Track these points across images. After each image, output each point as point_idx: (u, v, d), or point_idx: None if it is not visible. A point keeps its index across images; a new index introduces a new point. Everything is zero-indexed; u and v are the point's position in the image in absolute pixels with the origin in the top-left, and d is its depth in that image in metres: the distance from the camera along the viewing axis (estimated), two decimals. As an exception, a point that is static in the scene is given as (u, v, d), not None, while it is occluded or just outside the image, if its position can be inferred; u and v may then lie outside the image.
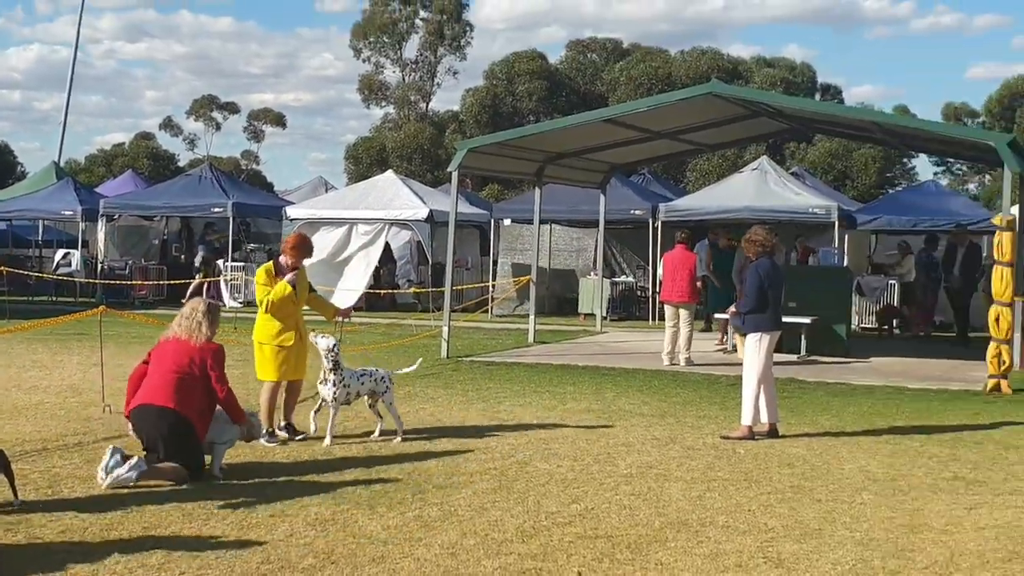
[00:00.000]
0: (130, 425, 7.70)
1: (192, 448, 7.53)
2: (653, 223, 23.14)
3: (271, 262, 9.25)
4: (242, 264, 26.26)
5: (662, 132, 18.25)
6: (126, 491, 7.20)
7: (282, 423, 9.15)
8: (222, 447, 7.75)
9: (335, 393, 8.82)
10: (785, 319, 10.66)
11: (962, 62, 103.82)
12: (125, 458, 7.39)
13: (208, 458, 7.75)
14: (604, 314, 22.24)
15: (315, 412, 9.14)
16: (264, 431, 8.80)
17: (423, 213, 24.22)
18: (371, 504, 7.05)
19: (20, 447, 8.60)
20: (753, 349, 9.64)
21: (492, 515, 6.84)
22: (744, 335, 9.98)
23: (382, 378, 9.17)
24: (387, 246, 25.95)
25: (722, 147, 28.04)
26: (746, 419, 9.57)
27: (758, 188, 22.60)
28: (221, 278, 25.97)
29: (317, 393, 9.17)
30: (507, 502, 7.19)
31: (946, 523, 6.85)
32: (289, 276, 8.95)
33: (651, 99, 18.96)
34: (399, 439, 9.09)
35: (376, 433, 9.20)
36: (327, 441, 8.80)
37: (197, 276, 26.03)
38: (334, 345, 8.80)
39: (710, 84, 16.10)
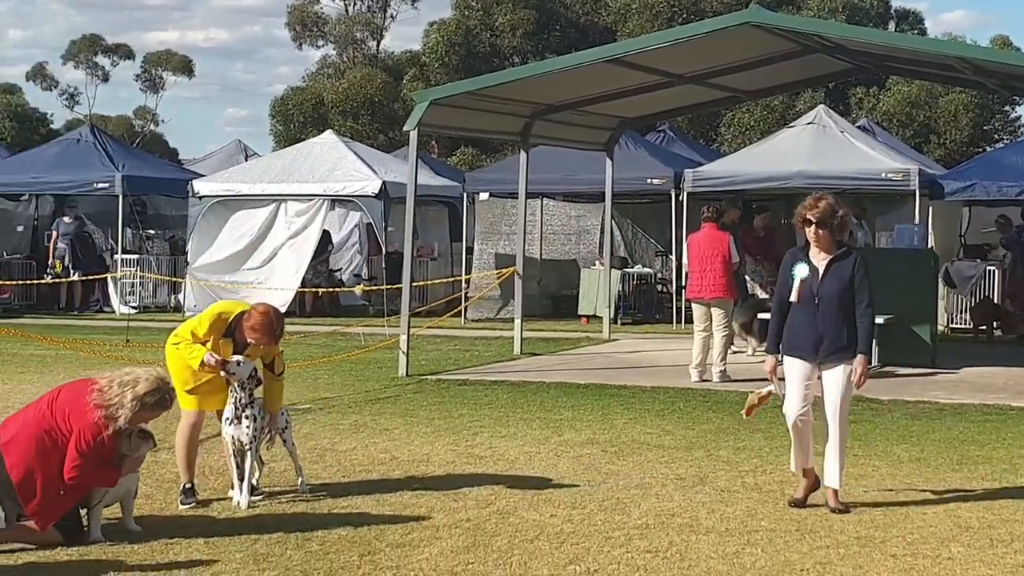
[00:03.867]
0: None
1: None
2: (677, 194, 23.20)
3: (228, 315, 8.77)
4: (136, 257, 26.27)
5: (687, 75, 18.29)
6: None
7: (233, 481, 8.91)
8: (96, 509, 7.74)
9: (254, 431, 8.72)
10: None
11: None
12: None
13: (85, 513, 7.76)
14: (613, 316, 22.30)
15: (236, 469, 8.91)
16: (182, 485, 8.77)
17: (374, 187, 24.25)
18: (305, 571, 7.07)
19: None
20: (848, 374, 8.67)
21: (464, 582, 6.86)
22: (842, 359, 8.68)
23: (281, 412, 9.13)
24: (326, 232, 25.99)
25: (765, 94, 28.15)
26: (836, 479, 8.67)
27: (814, 147, 22.67)
28: (108, 276, 25.97)
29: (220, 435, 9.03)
30: (484, 564, 7.23)
31: (1059, 583, 6.90)
32: (232, 360, 8.63)
33: (672, 31, 19.01)
34: (302, 490, 9.09)
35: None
36: (242, 499, 8.66)
37: (49, 276, 26.02)
38: (254, 372, 8.66)
39: (749, 11, 16.13)
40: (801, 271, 8.61)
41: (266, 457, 9.35)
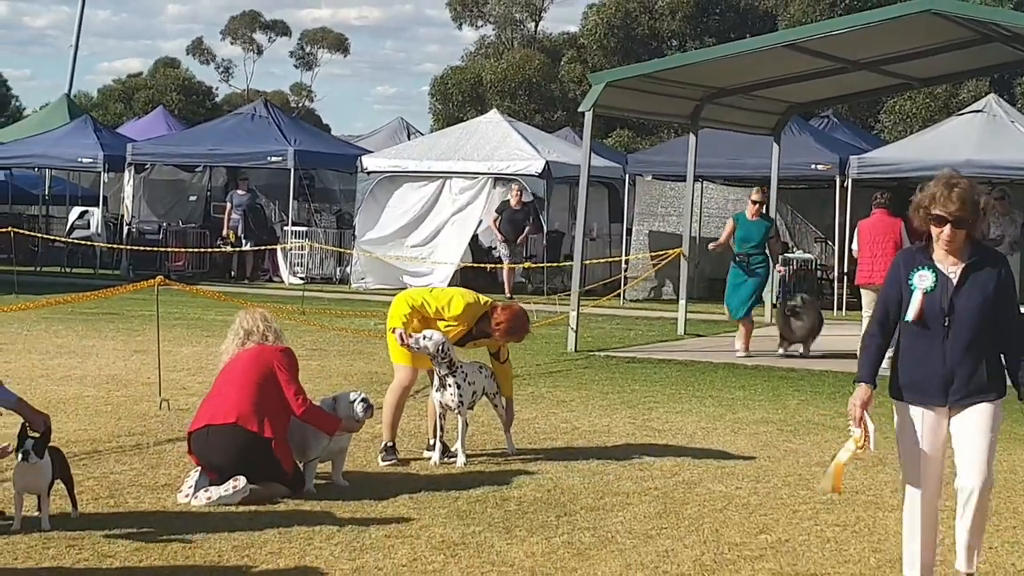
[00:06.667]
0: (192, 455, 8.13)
1: (277, 465, 7.96)
2: (841, 181, 23.12)
3: (481, 307, 9.14)
4: (304, 229, 27.00)
5: (861, 61, 18.27)
6: (208, 508, 7.68)
7: (431, 441, 9.34)
8: (311, 465, 8.22)
9: (460, 396, 9.09)
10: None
11: None
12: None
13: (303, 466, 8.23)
14: (775, 301, 22.33)
15: (436, 430, 9.34)
16: (384, 443, 9.20)
17: (538, 166, 24.63)
18: (507, 527, 7.42)
19: (66, 448, 9.14)
20: (997, 420, 6.24)
21: (660, 544, 7.16)
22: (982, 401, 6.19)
23: (492, 374, 9.51)
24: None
25: (937, 82, 27.82)
26: (970, 562, 6.30)
27: (983, 136, 22.44)
28: (279, 248, 26.74)
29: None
30: (676, 529, 7.50)
31: None
32: (415, 336, 8.89)
33: (852, 18, 18.94)
34: (511, 451, 9.52)
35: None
36: (460, 459, 9.12)
37: (222, 245, 26.83)
38: (444, 343, 8.99)
39: (930, -1, 16.09)
40: (924, 280, 6.14)
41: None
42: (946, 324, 6.07)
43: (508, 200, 24.27)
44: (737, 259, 16.29)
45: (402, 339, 8.90)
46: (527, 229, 24.50)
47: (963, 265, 6.12)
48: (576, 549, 7.00)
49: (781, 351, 16.30)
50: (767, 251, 16.37)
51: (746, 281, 16.16)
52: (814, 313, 16.19)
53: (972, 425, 6.11)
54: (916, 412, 6.18)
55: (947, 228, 6.05)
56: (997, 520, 7.74)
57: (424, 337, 8.93)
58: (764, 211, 16.77)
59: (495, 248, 27.94)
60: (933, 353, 6.11)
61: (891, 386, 6.28)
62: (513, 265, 24.37)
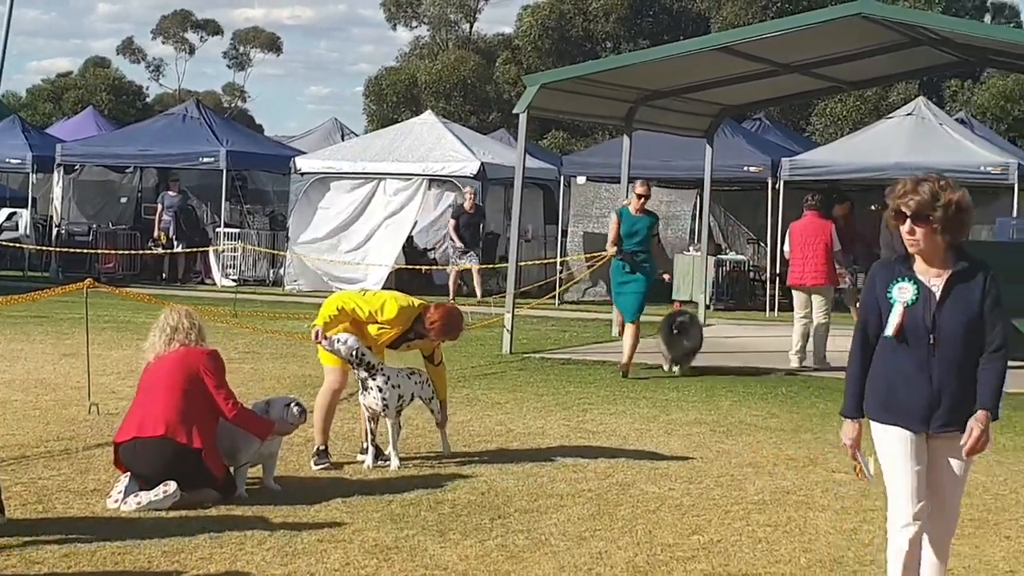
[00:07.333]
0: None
1: (207, 473, 7.90)
2: (773, 183, 23.32)
3: (415, 309, 9.12)
4: (237, 231, 26.82)
5: (792, 65, 18.42)
6: (138, 513, 7.60)
7: (364, 444, 9.31)
8: (243, 469, 8.17)
9: (384, 400, 9.04)
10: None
11: None
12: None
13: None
14: (708, 302, 22.48)
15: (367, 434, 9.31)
16: (316, 447, 9.15)
17: (473, 167, 24.62)
18: (441, 530, 7.41)
19: (-7, 453, 9.07)
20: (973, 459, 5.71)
21: (594, 546, 7.18)
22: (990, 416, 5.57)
23: (426, 379, 9.49)
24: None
25: (867, 84, 28.10)
26: None
27: (913, 139, 22.73)
28: (211, 250, 26.53)
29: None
30: (610, 531, 7.52)
31: None
32: (333, 338, 8.88)
33: (783, 21, 19.10)
34: (446, 453, 9.54)
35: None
36: (394, 463, 9.09)
37: (153, 247, 26.59)
38: (357, 347, 8.91)
39: (860, 1, 16.23)
40: (904, 292, 5.58)
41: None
42: (931, 342, 5.50)
43: (462, 204, 24.14)
44: (620, 256, 14.70)
45: (317, 336, 8.88)
46: (482, 231, 24.49)
47: (946, 277, 5.54)
48: (510, 552, 7.01)
49: (666, 368, 14.83)
50: (651, 251, 14.92)
51: (632, 281, 14.65)
52: (698, 332, 14.94)
53: (950, 467, 5.61)
54: (899, 435, 5.58)
55: (907, 224, 5.50)
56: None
57: (338, 340, 8.88)
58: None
59: (431, 250, 27.91)
60: (917, 375, 5.54)
61: (868, 405, 5.68)
62: (479, 267, 24.13)
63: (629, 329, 14.57)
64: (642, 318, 14.61)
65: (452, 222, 24.38)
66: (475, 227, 24.23)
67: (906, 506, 5.56)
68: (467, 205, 24.01)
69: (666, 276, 16.06)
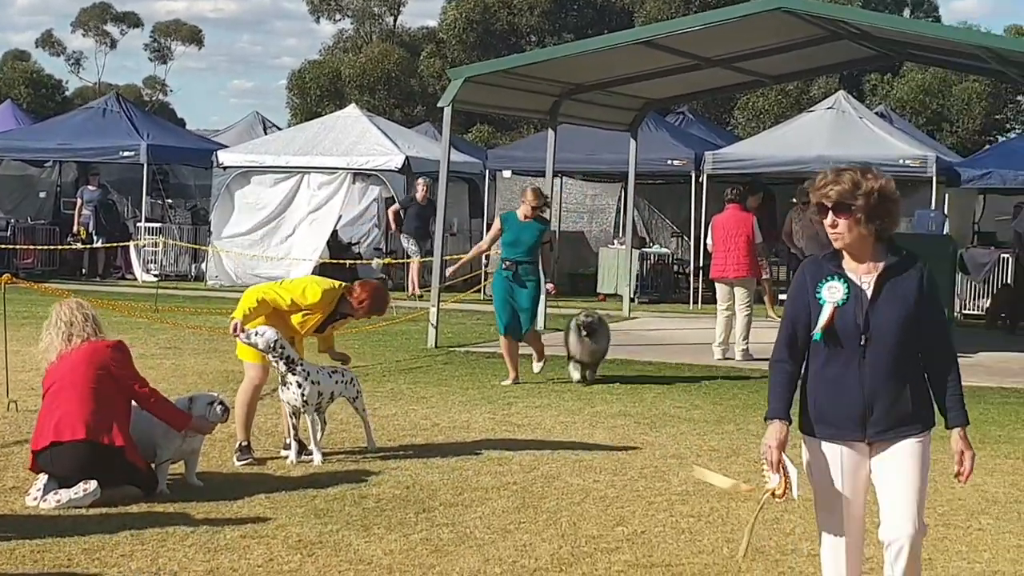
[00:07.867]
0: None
1: (131, 468, 7.82)
2: (697, 176, 23.47)
3: (337, 290, 9.11)
4: (158, 225, 26.57)
5: (714, 59, 18.58)
6: (58, 511, 7.51)
7: (287, 439, 9.26)
8: (164, 466, 8.09)
9: (304, 396, 8.99)
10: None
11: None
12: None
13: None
14: (632, 295, 22.59)
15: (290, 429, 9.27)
16: (238, 443, 9.09)
17: (397, 161, 24.55)
18: (365, 525, 7.40)
19: (-91, 452, 8.92)
20: (927, 458, 5.42)
21: (518, 538, 7.20)
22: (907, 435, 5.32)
23: (351, 379, 9.46)
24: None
25: (789, 78, 28.48)
26: None
27: (833, 132, 22.98)
28: (131, 245, 26.25)
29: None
30: (535, 524, 7.55)
31: (1086, 554, 7.21)
32: (251, 331, 8.86)
33: (704, 15, 19.29)
34: (371, 449, 9.50)
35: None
36: (317, 458, 9.05)
37: (73, 242, 26.26)
38: (275, 340, 8.84)
39: (780, -4, 16.40)
40: (834, 292, 5.22)
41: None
42: (862, 343, 5.14)
43: (414, 196, 23.82)
44: (504, 267, 13.42)
45: (235, 329, 8.82)
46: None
47: (877, 272, 5.19)
48: (434, 545, 7.01)
49: (575, 377, 13.63)
50: (539, 260, 13.63)
51: (515, 296, 13.40)
52: (606, 334, 13.95)
53: (897, 467, 5.22)
54: (832, 450, 5.22)
55: (828, 216, 5.16)
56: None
57: (256, 333, 8.82)
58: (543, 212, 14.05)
59: (356, 244, 27.75)
60: (848, 378, 5.17)
61: (801, 420, 5.31)
62: (421, 260, 23.91)
63: (529, 337, 13.75)
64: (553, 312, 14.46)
65: (392, 211, 23.98)
66: (425, 220, 23.85)
67: (836, 528, 5.29)
68: (419, 196, 23.70)
69: (552, 288, 14.73)
